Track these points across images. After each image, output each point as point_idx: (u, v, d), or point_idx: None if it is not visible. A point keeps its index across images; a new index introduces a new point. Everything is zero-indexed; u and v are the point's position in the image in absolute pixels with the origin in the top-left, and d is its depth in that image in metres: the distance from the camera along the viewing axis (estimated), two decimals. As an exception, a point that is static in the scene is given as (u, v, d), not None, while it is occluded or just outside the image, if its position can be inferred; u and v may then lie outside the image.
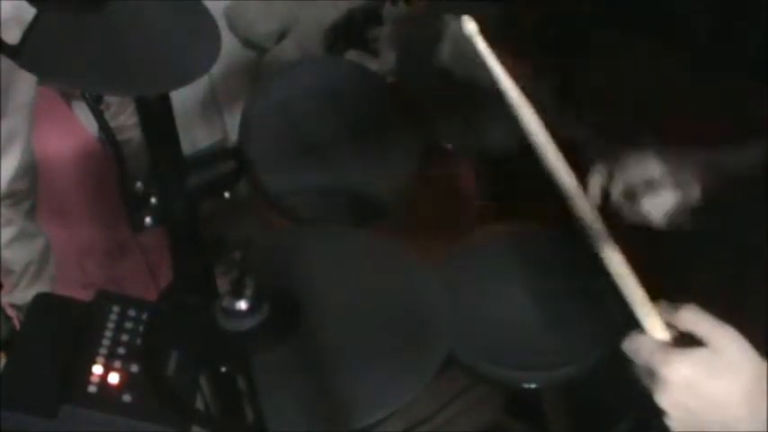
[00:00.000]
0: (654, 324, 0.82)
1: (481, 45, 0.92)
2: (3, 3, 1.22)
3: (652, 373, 0.78)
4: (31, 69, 0.74)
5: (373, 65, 1.84)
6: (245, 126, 1.24)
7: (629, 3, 1.29)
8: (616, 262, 0.87)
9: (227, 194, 1.09)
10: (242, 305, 0.85)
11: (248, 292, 0.84)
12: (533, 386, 1.12)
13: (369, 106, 1.31)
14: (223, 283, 0.87)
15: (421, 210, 1.45)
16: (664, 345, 0.80)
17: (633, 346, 0.81)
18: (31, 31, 0.71)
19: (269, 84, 1.33)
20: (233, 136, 2.04)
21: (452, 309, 1.07)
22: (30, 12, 0.72)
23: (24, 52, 0.70)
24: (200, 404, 1.00)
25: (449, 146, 1.35)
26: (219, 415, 0.94)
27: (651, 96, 1.27)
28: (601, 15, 1.32)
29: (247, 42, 2.02)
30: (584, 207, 0.92)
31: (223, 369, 0.89)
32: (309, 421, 0.88)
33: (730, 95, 1.18)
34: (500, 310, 1.17)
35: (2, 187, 1.51)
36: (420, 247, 1.06)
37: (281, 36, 1.99)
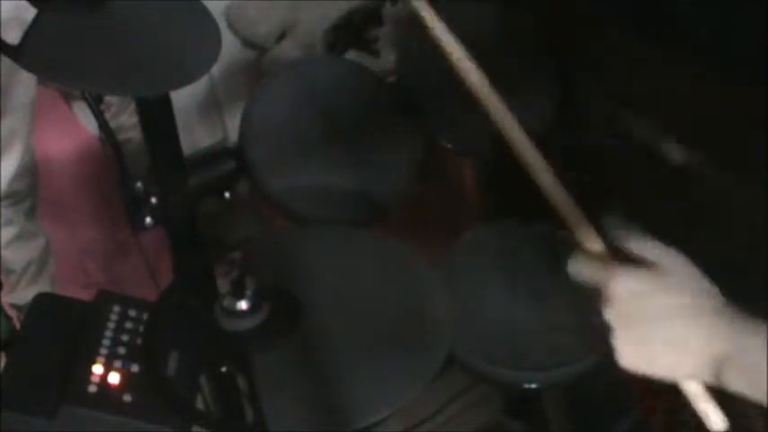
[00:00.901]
0: (595, 244, 0.82)
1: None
2: (3, 3, 1.22)
3: (599, 291, 0.77)
4: (31, 69, 0.75)
5: (373, 65, 1.84)
6: (245, 126, 1.24)
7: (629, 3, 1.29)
8: (549, 182, 0.86)
9: (227, 194, 1.09)
10: (242, 305, 0.85)
11: (248, 292, 0.84)
12: (533, 386, 1.12)
13: (369, 106, 1.31)
14: (223, 283, 0.87)
15: (421, 209, 1.45)
16: (609, 261, 0.79)
17: (578, 264, 0.81)
18: (31, 31, 0.71)
19: (269, 84, 1.33)
20: (233, 136, 2.04)
21: (452, 309, 1.07)
22: (30, 12, 0.72)
23: (24, 52, 0.70)
24: (200, 404, 1.00)
25: (449, 146, 1.35)
26: (219, 415, 0.94)
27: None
28: (601, 15, 1.32)
29: (247, 42, 2.02)
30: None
31: (223, 369, 0.89)
32: (309, 421, 0.88)
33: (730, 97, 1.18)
34: (500, 310, 1.17)
35: (2, 187, 1.51)
36: (420, 247, 1.06)
37: (281, 36, 1.99)
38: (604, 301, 0.77)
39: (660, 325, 0.75)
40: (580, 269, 0.81)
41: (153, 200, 0.89)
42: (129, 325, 1.06)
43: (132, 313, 1.08)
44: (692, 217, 1.18)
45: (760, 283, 1.06)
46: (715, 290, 0.76)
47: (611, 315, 0.77)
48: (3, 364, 1.06)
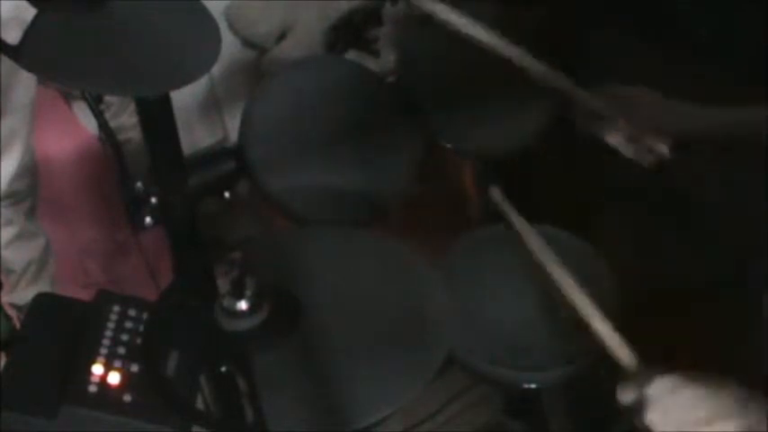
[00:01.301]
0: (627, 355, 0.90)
1: None
2: (3, 3, 1.22)
3: (641, 403, 0.84)
4: (31, 69, 0.75)
5: (373, 65, 1.84)
6: (245, 126, 1.24)
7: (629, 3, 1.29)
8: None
9: (227, 194, 1.09)
10: (242, 305, 0.85)
11: (248, 292, 0.84)
12: (533, 386, 1.12)
13: (369, 106, 1.31)
14: (223, 283, 0.87)
15: (421, 210, 1.45)
16: (644, 374, 0.86)
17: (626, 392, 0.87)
18: (31, 31, 0.71)
19: (269, 84, 1.33)
20: (233, 136, 2.04)
21: (452, 309, 1.07)
22: (30, 12, 0.72)
23: (24, 52, 0.70)
24: (200, 404, 1.00)
25: (449, 146, 1.35)
26: (219, 415, 0.94)
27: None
28: (601, 15, 1.32)
29: (247, 42, 2.02)
30: None
31: (223, 369, 0.89)
32: (309, 421, 0.88)
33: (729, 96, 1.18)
34: (500, 310, 1.17)
35: (2, 187, 1.51)
36: (420, 247, 1.06)
37: (281, 36, 1.99)
38: (646, 407, 0.83)
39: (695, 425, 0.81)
40: (627, 395, 0.87)
41: (153, 200, 0.89)
42: (128, 325, 1.06)
43: (132, 313, 1.08)
44: (691, 214, 1.18)
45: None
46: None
47: (653, 417, 0.83)
48: (3, 364, 1.06)
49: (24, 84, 1.48)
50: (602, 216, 1.39)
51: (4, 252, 1.57)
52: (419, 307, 0.99)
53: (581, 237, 1.24)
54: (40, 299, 1.12)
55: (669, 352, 1.08)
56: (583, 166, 1.39)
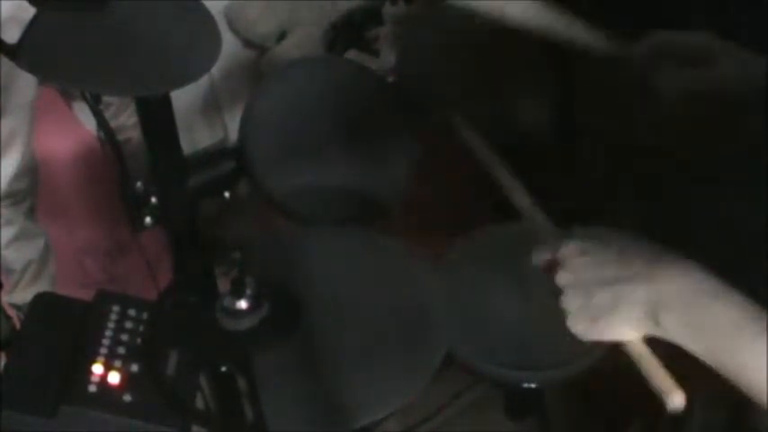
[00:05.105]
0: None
1: None
2: (3, 3, 1.22)
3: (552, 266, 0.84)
4: (30, 69, 0.74)
5: (373, 65, 1.84)
6: (245, 126, 1.24)
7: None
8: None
9: (227, 194, 1.09)
10: (242, 305, 0.85)
11: (248, 291, 0.84)
12: (533, 386, 1.12)
13: (369, 106, 1.31)
14: (223, 283, 0.87)
15: (421, 209, 1.45)
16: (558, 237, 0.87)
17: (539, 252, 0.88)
18: (30, 30, 0.71)
19: (269, 84, 1.33)
20: (233, 136, 2.04)
21: (452, 308, 1.07)
22: (30, 12, 0.72)
23: (24, 52, 0.70)
24: (200, 404, 1.00)
25: (448, 145, 1.35)
26: (219, 415, 0.94)
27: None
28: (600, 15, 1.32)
29: (247, 42, 2.02)
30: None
31: (223, 369, 0.89)
32: (309, 421, 0.88)
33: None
34: (500, 310, 1.17)
35: (2, 187, 1.51)
36: (420, 247, 1.06)
37: (281, 36, 1.99)
38: (557, 268, 0.83)
39: (605, 279, 0.81)
40: (539, 256, 0.88)
41: (153, 200, 0.89)
42: (128, 325, 1.06)
43: (132, 313, 1.08)
44: (691, 214, 1.18)
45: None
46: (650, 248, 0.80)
47: (561, 277, 0.83)
48: (3, 364, 1.06)
49: (24, 84, 1.49)
50: (604, 212, 1.39)
51: (4, 252, 1.57)
52: (419, 307, 0.99)
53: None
54: (40, 299, 1.12)
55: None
56: (585, 162, 1.39)
